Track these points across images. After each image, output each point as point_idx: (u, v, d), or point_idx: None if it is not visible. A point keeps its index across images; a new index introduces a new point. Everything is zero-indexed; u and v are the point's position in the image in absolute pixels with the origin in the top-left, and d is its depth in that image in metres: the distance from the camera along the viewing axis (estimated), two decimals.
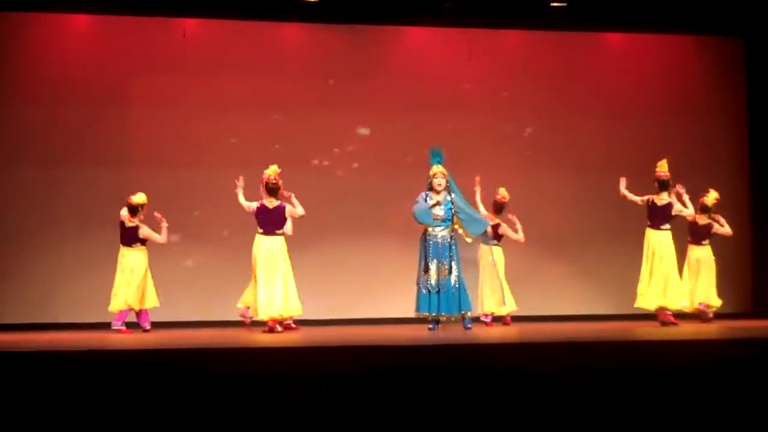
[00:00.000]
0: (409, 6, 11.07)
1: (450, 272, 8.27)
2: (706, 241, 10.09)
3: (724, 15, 11.34)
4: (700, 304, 9.93)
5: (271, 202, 8.65)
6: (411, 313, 8.52)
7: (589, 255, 11.42)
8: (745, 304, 11.63)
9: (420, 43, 11.63)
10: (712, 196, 10.02)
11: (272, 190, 8.64)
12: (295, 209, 8.68)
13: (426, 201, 8.40)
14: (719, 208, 10.19)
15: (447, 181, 8.43)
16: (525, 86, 11.64)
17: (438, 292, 8.27)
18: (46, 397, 4.77)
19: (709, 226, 10.06)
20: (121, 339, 7.83)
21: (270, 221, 8.61)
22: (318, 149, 11.19)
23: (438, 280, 8.27)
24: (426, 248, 8.36)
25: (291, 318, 8.85)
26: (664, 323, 8.86)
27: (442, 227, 8.36)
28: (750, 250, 11.80)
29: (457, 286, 8.31)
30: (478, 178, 9.48)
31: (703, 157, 11.67)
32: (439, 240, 8.34)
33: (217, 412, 4.76)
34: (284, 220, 8.68)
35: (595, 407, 4.89)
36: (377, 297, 10.87)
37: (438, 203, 8.35)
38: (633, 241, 9.51)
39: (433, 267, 8.29)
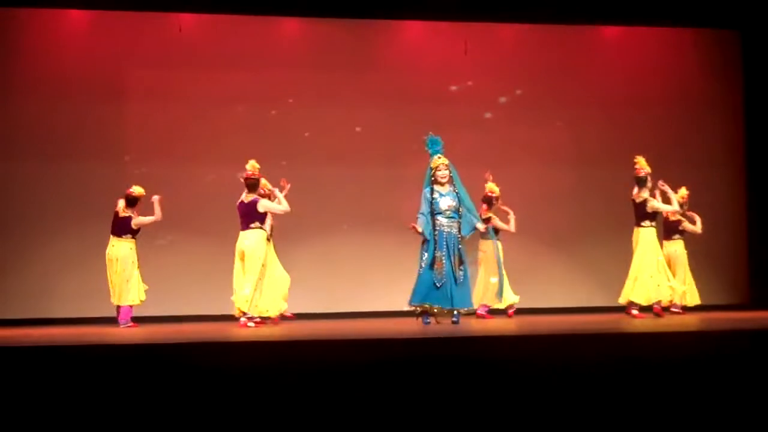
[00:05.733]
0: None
1: (461, 265, 8.02)
2: (677, 236, 10.05)
3: (721, 7, 11.34)
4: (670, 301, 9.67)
5: (248, 197, 8.57)
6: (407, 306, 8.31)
7: (587, 248, 11.43)
8: (741, 296, 11.68)
9: (416, 36, 11.62)
10: (680, 194, 9.89)
11: (251, 186, 8.57)
12: (274, 205, 8.59)
13: (430, 198, 8.05)
14: (695, 205, 10.22)
15: (450, 172, 8.16)
16: (521, 79, 11.63)
17: (441, 285, 7.92)
18: (43, 392, 4.77)
19: (677, 222, 10.02)
20: (118, 333, 7.80)
21: (244, 215, 8.53)
22: (314, 142, 11.17)
23: (443, 271, 7.94)
24: (434, 239, 8.00)
25: (261, 315, 8.59)
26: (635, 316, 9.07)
27: (452, 219, 8.08)
28: (746, 242, 11.84)
29: (462, 280, 8.04)
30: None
31: (699, 149, 11.70)
32: (449, 231, 8.04)
33: (212, 407, 4.75)
34: (258, 214, 8.50)
35: (592, 399, 4.90)
36: (373, 290, 10.84)
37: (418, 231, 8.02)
38: (631, 234, 9.52)
39: (441, 258, 7.95)
